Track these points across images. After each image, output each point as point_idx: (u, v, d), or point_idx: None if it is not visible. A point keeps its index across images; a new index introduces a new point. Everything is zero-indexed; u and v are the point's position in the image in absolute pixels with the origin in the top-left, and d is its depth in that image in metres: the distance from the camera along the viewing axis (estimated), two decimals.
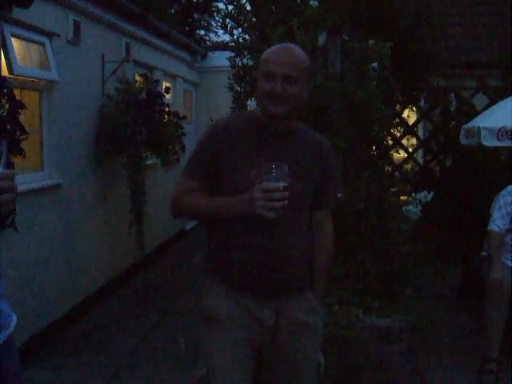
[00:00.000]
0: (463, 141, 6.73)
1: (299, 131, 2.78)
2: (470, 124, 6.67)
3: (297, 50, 2.70)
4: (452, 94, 8.91)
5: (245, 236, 2.65)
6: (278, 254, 2.65)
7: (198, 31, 23.38)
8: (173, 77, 10.65)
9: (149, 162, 7.90)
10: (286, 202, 2.48)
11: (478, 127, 6.18)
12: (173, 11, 20.90)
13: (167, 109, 7.62)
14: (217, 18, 22.31)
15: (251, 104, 5.37)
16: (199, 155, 2.75)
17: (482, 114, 7.08)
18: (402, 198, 6.28)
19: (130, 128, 6.72)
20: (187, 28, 20.36)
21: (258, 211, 2.50)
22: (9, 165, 4.30)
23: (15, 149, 4.44)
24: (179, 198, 2.76)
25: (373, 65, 5.07)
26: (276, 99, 2.58)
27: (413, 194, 6.07)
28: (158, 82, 7.85)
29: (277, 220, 2.52)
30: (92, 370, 5.22)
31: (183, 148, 8.25)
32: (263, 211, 2.49)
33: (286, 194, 2.47)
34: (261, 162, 2.56)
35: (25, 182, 5.39)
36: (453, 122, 8.64)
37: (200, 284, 2.81)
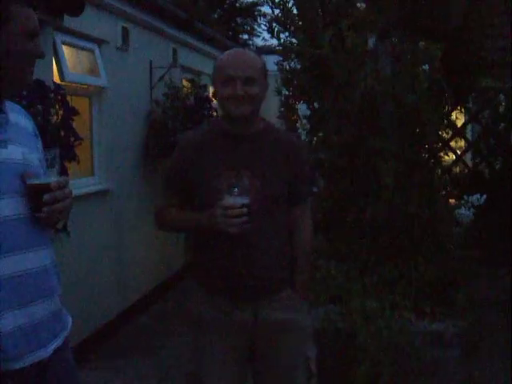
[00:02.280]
0: None
1: (265, 132, 2.80)
2: None
3: (249, 52, 2.81)
4: (501, 95, 8.76)
5: (219, 244, 2.70)
6: (252, 260, 2.70)
7: (241, 35, 23.47)
8: None
9: None
10: (245, 218, 2.53)
11: None
12: (216, 16, 21.01)
13: (215, 113, 7.65)
14: (262, 22, 22.36)
15: (301, 108, 5.37)
16: (171, 173, 2.89)
17: None
18: (451, 200, 6.19)
19: (178, 133, 6.76)
20: (230, 33, 20.45)
21: (220, 227, 2.57)
22: (63, 171, 4.36)
23: (69, 155, 4.50)
24: (159, 213, 2.94)
25: (423, 67, 5.00)
26: (238, 101, 2.64)
27: (465, 197, 5.97)
28: (205, 86, 7.89)
29: (243, 231, 2.57)
30: (141, 372, 5.27)
31: None
32: (224, 227, 2.56)
33: (245, 210, 2.53)
34: (225, 171, 2.66)
35: (76, 187, 5.46)
36: (503, 124, 8.48)
37: (188, 289, 2.93)
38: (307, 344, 2.90)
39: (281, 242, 2.79)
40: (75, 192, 5.31)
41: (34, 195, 1.96)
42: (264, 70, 2.75)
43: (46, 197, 1.95)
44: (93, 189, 5.91)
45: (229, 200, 2.55)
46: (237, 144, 2.72)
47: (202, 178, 2.71)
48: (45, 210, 1.96)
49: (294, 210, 2.84)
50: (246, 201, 2.55)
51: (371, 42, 5.00)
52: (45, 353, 2.00)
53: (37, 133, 2.23)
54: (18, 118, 2.12)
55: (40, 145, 2.23)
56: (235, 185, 2.57)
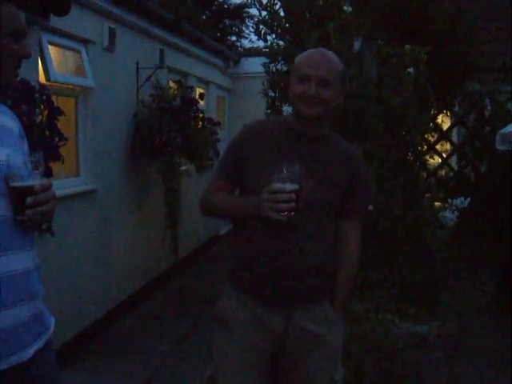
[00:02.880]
0: (499, 146, 6.64)
1: (330, 138, 2.76)
2: (506, 129, 6.58)
3: (331, 54, 2.72)
4: (487, 99, 8.81)
5: (260, 238, 2.64)
6: (292, 259, 2.60)
7: (229, 37, 23.46)
8: (206, 83, 10.68)
9: (183, 168, 7.93)
10: (293, 204, 2.45)
11: None
12: (204, 17, 20.99)
13: (201, 115, 7.65)
14: (250, 24, 22.38)
15: (286, 110, 5.37)
16: (228, 156, 2.81)
17: None
18: (436, 203, 6.22)
19: (165, 134, 6.76)
20: (218, 34, 20.44)
21: (266, 213, 2.50)
22: (47, 172, 4.34)
23: (54, 155, 4.49)
24: (206, 197, 2.83)
25: (409, 70, 5.03)
26: (309, 101, 2.59)
27: (449, 200, 6.01)
28: (191, 88, 7.88)
29: (291, 223, 2.51)
30: (126, 373, 5.25)
31: (217, 154, 8.28)
32: (270, 213, 2.48)
33: (293, 196, 2.45)
34: (281, 163, 2.57)
35: (61, 187, 5.45)
36: (488, 127, 8.54)
37: (222, 286, 2.85)
38: (336, 365, 2.77)
39: (326, 250, 2.69)
40: (60, 192, 5.31)
41: (17, 197, 1.95)
42: (342, 76, 2.71)
43: (29, 199, 1.94)
44: (78, 189, 5.90)
45: (277, 184, 2.48)
46: (300, 142, 2.68)
47: (257, 167, 2.66)
48: (28, 213, 1.95)
49: (344, 223, 2.75)
50: (295, 187, 2.46)
51: (357, 44, 5.02)
52: (26, 354, 2.00)
53: (23, 134, 2.21)
54: (4, 118, 2.11)
55: (26, 146, 2.21)
56: (285, 171, 2.50)
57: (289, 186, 2.46)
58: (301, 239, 2.60)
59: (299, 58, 2.71)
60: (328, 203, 2.67)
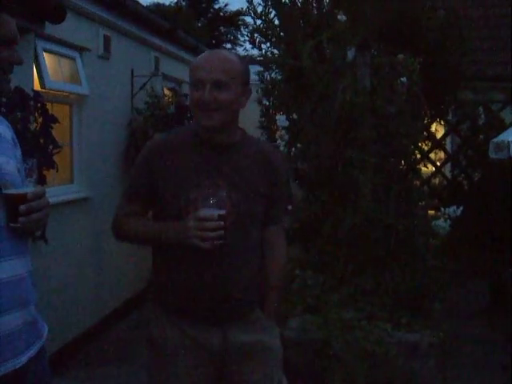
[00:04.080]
0: (492, 155, 6.66)
1: (243, 143, 2.56)
2: (500, 138, 6.61)
3: (227, 54, 2.54)
4: (480, 108, 8.86)
5: (187, 262, 2.46)
6: (223, 280, 2.46)
7: (224, 45, 23.55)
8: None
9: None
10: (222, 232, 2.32)
11: (508, 141, 6.12)
12: (199, 24, 21.05)
13: None
14: (244, 32, 22.46)
15: (280, 118, 5.40)
16: (136, 177, 2.59)
17: (511, 128, 7.02)
18: (430, 212, 6.24)
19: None
20: (214, 41, 20.51)
21: (192, 241, 2.34)
22: (41, 179, 4.35)
23: (48, 162, 4.50)
24: (118, 223, 2.63)
25: (402, 79, 5.06)
26: (206, 109, 2.39)
27: (442, 209, 6.04)
28: (186, 95, 7.90)
29: (216, 248, 2.35)
30: (119, 380, 5.24)
31: None
32: (197, 241, 2.33)
33: (222, 223, 2.31)
34: (201, 181, 2.43)
35: (55, 194, 5.45)
36: (481, 136, 8.58)
37: (148, 312, 2.67)
38: (279, 368, 2.65)
39: (254, 262, 2.56)
40: (54, 200, 5.32)
41: (11, 205, 1.95)
42: (242, 74, 2.47)
43: (23, 207, 1.94)
44: (72, 196, 5.90)
45: (205, 211, 2.33)
46: (214, 154, 2.48)
47: (173, 187, 2.46)
48: (21, 220, 1.95)
49: (268, 229, 2.62)
50: (222, 213, 2.33)
51: (350, 54, 5.05)
52: (19, 362, 2.00)
53: (16, 141, 2.21)
54: None
55: (19, 154, 2.21)
56: (212, 196, 2.35)
57: (217, 212, 2.32)
58: (230, 259, 2.46)
59: (193, 63, 2.51)
60: (255, 215, 2.54)
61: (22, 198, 1.95)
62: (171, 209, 2.46)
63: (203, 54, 2.55)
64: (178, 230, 2.40)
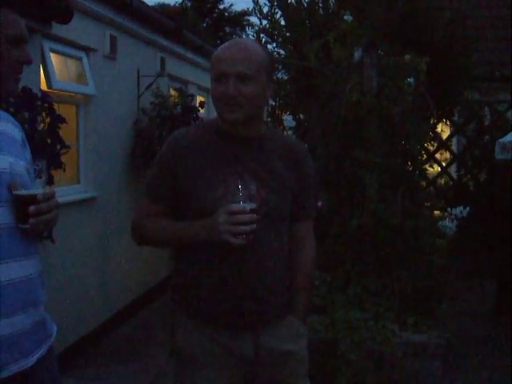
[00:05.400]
0: (498, 155, 6.67)
1: (268, 136, 2.47)
2: (505, 138, 6.61)
3: (251, 44, 2.41)
4: (486, 108, 8.85)
5: (214, 263, 2.33)
6: (254, 282, 2.34)
7: None
8: (206, 91, 10.70)
9: None
10: (255, 225, 2.20)
11: None
12: (205, 25, 21.07)
13: None
14: (250, 33, 22.45)
15: (287, 119, 5.40)
16: (158, 176, 2.45)
17: None
18: (435, 212, 6.24)
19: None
20: (219, 42, 20.51)
21: (223, 237, 2.21)
22: (49, 179, 4.36)
23: (55, 163, 4.51)
24: (140, 225, 2.50)
25: (409, 80, 5.06)
26: (230, 103, 2.30)
27: (448, 209, 6.03)
28: (192, 96, 7.91)
29: (248, 245, 2.23)
30: (124, 381, 5.24)
31: None
32: (228, 237, 2.20)
33: (254, 216, 2.20)
34: (227, 177, 2.31)
35: (61, 194, 5.46)
36: (487, 137, 8.57)
37: (170, 318, 2.53)
38: (305, 378, 2.55)
39: (283, 261, 2.44)
40: (61, 200, 5.33)
41: (20, 206, 1.95)
42: (267, 65, 2.35)
43: (32, 208, 1.93)
44: (79, 197, 5.91)
45: (235, 205, 2.21)
46: (237, 148, 2.38)
47: (198, 184, 2.33)
48: (30, 222, 1.94)
49: (297, 225, 2.51)
50: (254, 206, 2.21)
51: (357, 54, 5.05)
52: (28, 362, 2.00)
53: (25, 142, 2.20)
54: (7, 126, 2.11)
55: (29, 154, 2.21)
56: (241, 189, 2.24)
57: (248, 206, 2.21)
58: (260, 258, 2.34)
59: (215, 54, 2.37)
60: (283, 211, 2.43)
61: (32, 199, 1.95)
62: (197, 207, 2.33)
63: (225, 44, 2.42)
64: (208, 226, 2.26)
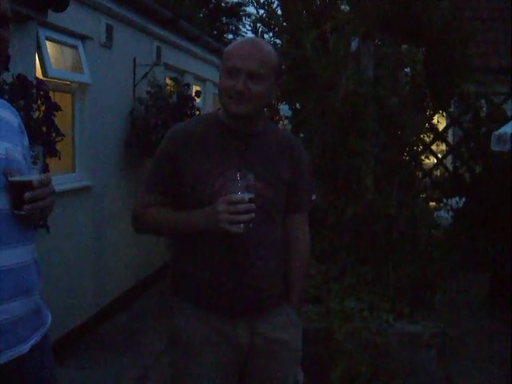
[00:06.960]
0: (494, 147, 6.65)
1: (265, 131, 2.55)
2: (502, 130, 6.60)
3: (266, 45, 2.50)
4: (483, 100, 8.83)
5: (213, 251, 2.42)
6: (251, 269, 2.42)
7: (226, 35, 23.47)
8: (203, 80, 10.69)
9: None
10: (253, 214, 2.27)
11: (510, 133, 6.11)
12: (201, 15, 20.98)
13: (198, 112, 7.65)
14: (247, 22, 22.40)
15: (284, 108, 5.39)
16: (158, 166, 2.55)
17: None
18: (431, 203, 6.24)
19: (161, 131, 6.76)
20: (215, 32, 20.45)
21: (222, 226, 2.27)
22: (44, 168, 4.34)
23: (51, 151, 4.49)
24: (140, 213, 2.55)
25: (405, 70, 5.05)
26: (237, 97, 2.36)
27: (444, 200, 6.03)
28: (188, 85, 7.88)
29: (245, 234, 2.31)
30: (119, 370, 5.25)
31: None
32: (228, 226, 2.27)
33: (253, 205, 2.27)
34: (226, 169, 2.37)
35: (56, 183, 5.41)
36: (483, 128, 8.56)
37: (170, 303, 2.61)
38: (297, 367, 2.64)
39: (279, 251, 2.52)
40: (56, 188, 5.31)
41: (16, 192, 1.94)
42: (277, 67, 2.46)
43: (28, 194, 1.92)
44: (74, 185, 5.90)
45: (234, 195, 2.28)
46: (236, 142, 2.46)
47: (196, 176, 2.42)
48: (26, 208, 1.93)
49: (292, 218, 2.59)
50: (252, 196, 2.28)
51: (354, 44, 5.04)
52: (23, 349, 2.00)
53: (23, 128, 2.19)
54: (3, 112, 2.09)
55: (26, 141, 2.19)
56: (240, 179, 2.28)
57: (247, 196, 2.28)
58: (257, 247, 2.43)
59: (229, 48, 2.46)
60: (278, 202, 2.51)
61: (28, 186, 1.94)
62: (197, 197, 2.42)
63: (241, 40, 2.56)
64: (207, 215, 2.34)
